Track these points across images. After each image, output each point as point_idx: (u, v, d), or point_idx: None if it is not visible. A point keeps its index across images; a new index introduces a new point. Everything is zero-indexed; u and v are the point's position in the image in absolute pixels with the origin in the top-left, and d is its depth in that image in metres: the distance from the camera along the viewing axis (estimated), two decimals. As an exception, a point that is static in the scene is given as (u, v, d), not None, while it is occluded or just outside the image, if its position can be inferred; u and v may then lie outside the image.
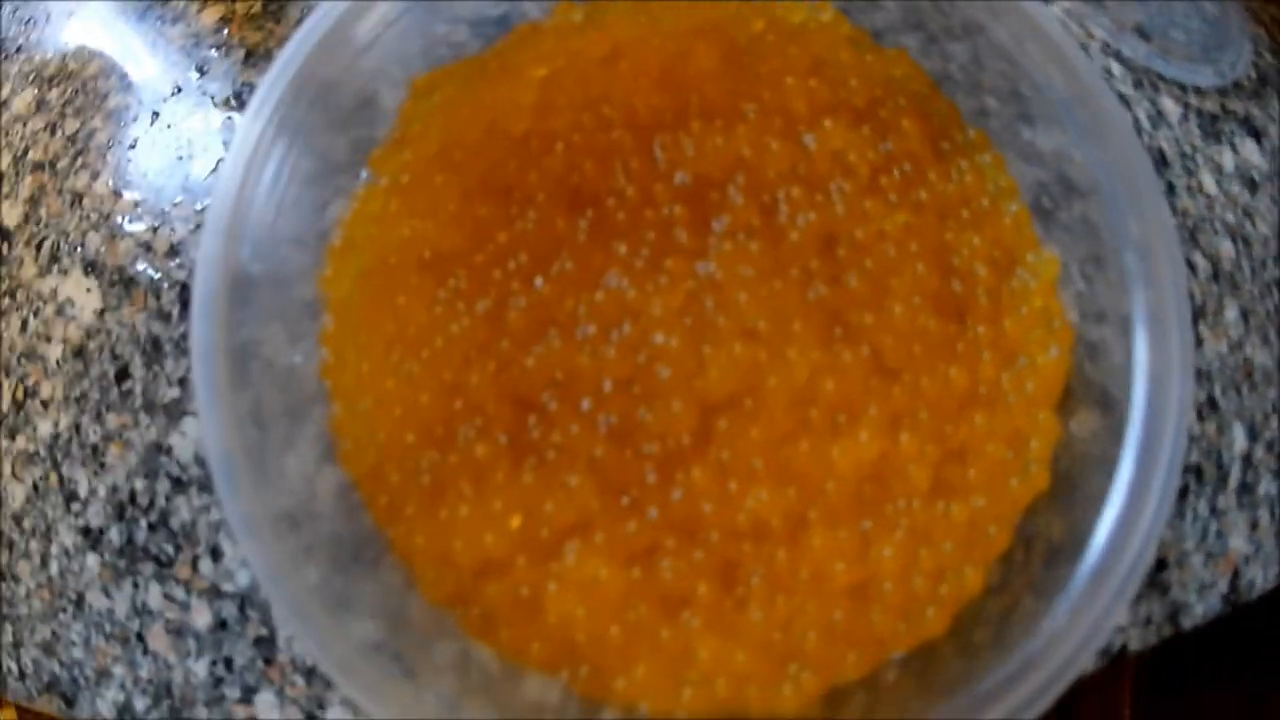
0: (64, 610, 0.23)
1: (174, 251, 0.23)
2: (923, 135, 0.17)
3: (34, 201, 0.26)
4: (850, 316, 0.16)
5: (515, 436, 0.16)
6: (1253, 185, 0.25)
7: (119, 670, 0.23)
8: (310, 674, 0.21)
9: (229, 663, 0.22)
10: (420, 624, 0.17)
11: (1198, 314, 0.23)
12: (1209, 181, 0.25)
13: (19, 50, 0.29)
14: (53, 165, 0.26)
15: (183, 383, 0.23)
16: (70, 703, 0.24)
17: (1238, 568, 0.22)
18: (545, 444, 0.15)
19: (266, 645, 0.21)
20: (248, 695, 0.21)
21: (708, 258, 0.16)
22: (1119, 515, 0.17)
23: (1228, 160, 0.25)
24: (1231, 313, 0.23)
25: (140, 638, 0.22)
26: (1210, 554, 0.23)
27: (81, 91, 0.26)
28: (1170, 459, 0.16)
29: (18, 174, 0.27)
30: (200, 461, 0.22)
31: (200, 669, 0.22)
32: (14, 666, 0.24)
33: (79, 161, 0.25)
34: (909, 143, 0.17)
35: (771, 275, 0.16)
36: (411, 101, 0.18)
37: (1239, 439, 0.23)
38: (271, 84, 0.17)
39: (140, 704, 0.22)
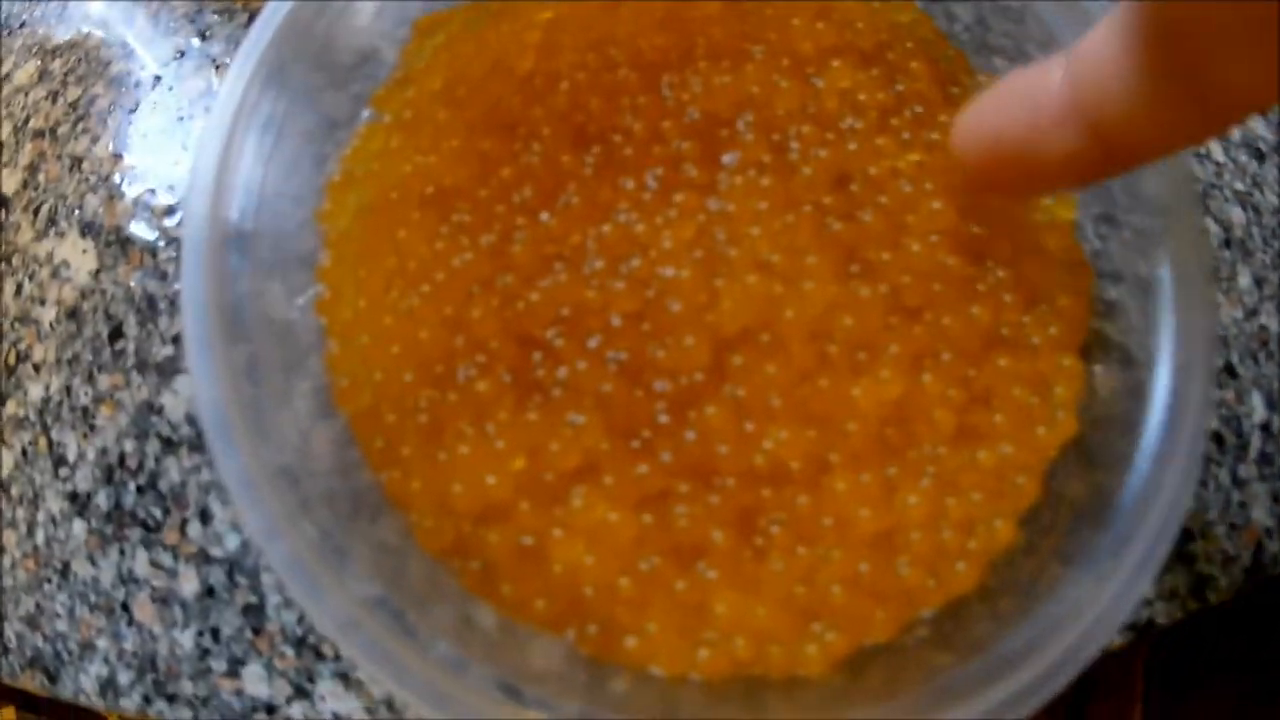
0: (49, 581, 0.22)
1: (171, 210, 0.23)
2: (932, 78, 0.16)
3: (33, 168, 0.25)
4: (867, 252, 0.15)
5: (519, 374, 0.14)
6: (1260, 155, 0.24)
7: (103, 643, 0.21)
8: (300, 644, 0.20)
9: (216, 633, 0.20)
10: (419, 583, 0.16)
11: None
12: (1217, 149, 0.24)
13: (22, 25, 0.28)
14: (53, 132, 0.25)
15: (176, 340, 0.22)
16: (53, 678, 0.22)
17: (1260, 540, 0.21)
18: (551, 382, 0.14)
19: (255, 613, 0.20)
20: (235, 668, 0.20)
21: (718, 193, 0.15)
22: (1145, 480, 0.16)
23: (1234, 129, 0.24)
24: (1245, 279, 0.22)
25: (125, 608, 0.21)
26: (1234, 525, 0.21)
27: (84, 60, 0.26)
28: (1196, 423, 0.15)
29: (18, 143, 0.26)
30: (191, 421, 0.21)
31: (186, 640, 0.20)
32: (-4, 642, 0.23)
33: (79, 127, 0.25)
34: (919, 84, 0.16)
35: (784, 210, 0.15)
36: (414, 41, 0.18)
37: (1258, 408, 0.22)
38: (256, 37, 0.16)
39: (124, 678, 0.21)
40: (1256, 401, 0.22)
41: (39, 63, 0.27)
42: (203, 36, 0.24)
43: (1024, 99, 0.12)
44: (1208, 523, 0.21)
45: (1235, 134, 0.24)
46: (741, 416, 0.14)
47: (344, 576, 0.15)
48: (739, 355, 0.14)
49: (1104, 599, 0.15)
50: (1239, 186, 0.24)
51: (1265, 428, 0.21)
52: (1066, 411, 0.16)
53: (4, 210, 0.25)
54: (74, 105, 0.25)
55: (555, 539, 0.14)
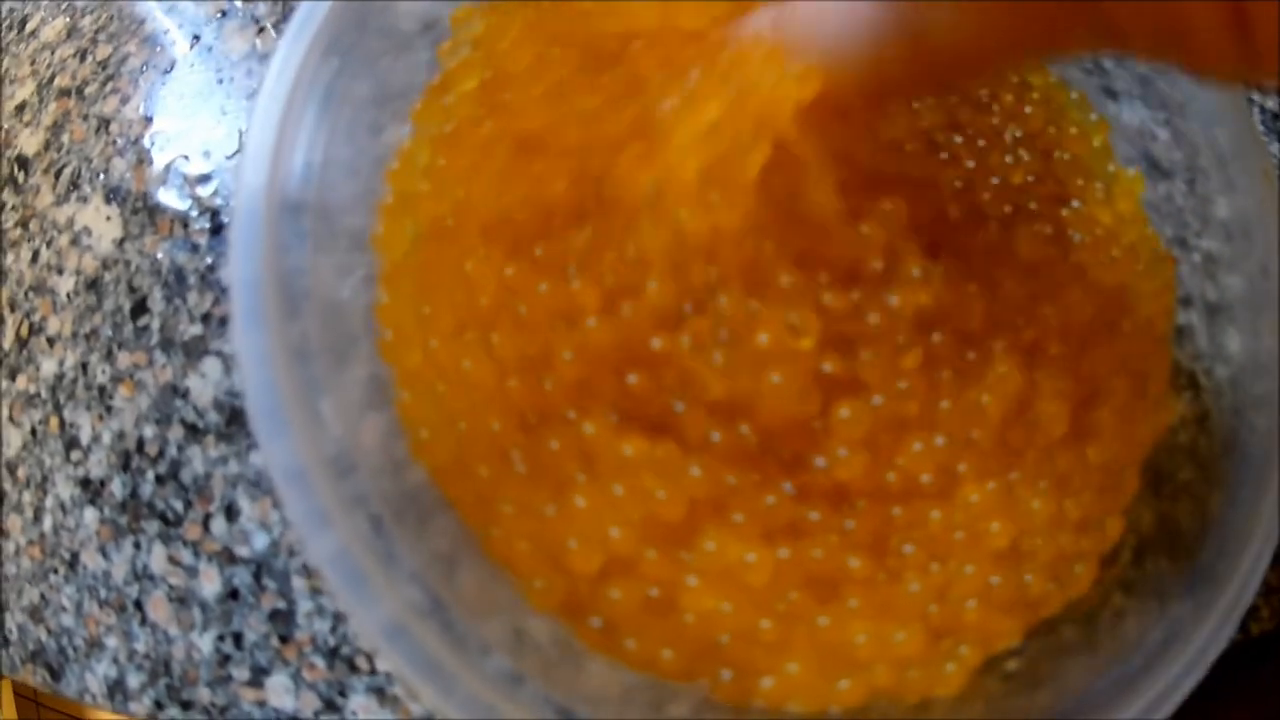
0: (55, 571, 0.20)
1: (207, 178, 0.20)
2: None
3: (56, 128, 0.23)
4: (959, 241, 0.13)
5: (627, 412, 0.12)
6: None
7: (112, 641, 0.19)
8: (333, 655, 0.17)
9: (238, 638, 0.18)
10: (472, 591, 0.14)
11: None
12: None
13: (53, -20, 0.25)
14: (80, 91, 0.23)
15: (206, 319, 0.19)
16: (56, 675, 0.20)
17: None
18: (664, 416, 0.12)
19: (284, 620, 0.18)
20: (258, 677, 0.18)
21: None
22: (1226, 523, 0.14)
23: None
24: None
25: (139, 605, 0.19)
26: (1275, 556, 0.20)
27: (117, 17, 0.23)
28: None
29: (41, 101, 0.23)
30: (220, 407, 0.19)
31: (205, 644, 0.18)
32: (-5, 634, 0.21)
33: (109, 86, 0.22)
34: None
35: None
36: (450, 39, 0.15)
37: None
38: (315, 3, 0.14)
39: (134, 680, 0.19)
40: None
41: (68, 19, 0.24)
42: (246, -5, 0.22)
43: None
44: None
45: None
46: (872, 430, 0.12)
47: (393, 578, 0.13)
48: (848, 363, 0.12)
49: (1189, 645, 0.13)
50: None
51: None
52: (1159, 403, 0.14)
53: (23, 172, 0.23)
54: (103, 64, 0.23)
55: (688, 588, 0.12)
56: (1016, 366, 0.13)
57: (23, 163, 0.23)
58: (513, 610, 0.14)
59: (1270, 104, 0.23)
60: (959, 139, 0.14)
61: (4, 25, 0.26)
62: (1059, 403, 0.13)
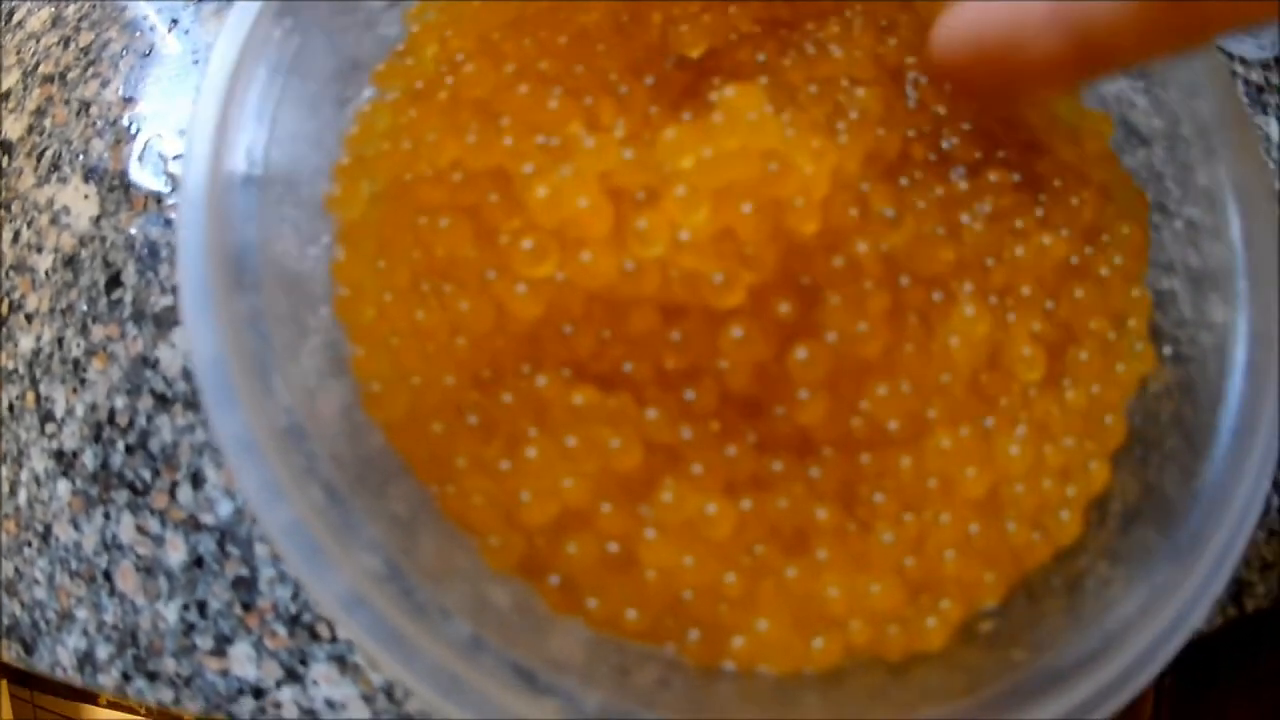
0: (29, 544, 0.20)
1: (180, 156, 0.20)
2: None
3: (40, 113, 0.23)
4: (926, 191, 0.13)
5: (580, 367, 0.12)
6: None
7: (82, 613, 0.19)
8: (294, 623, 0.17)
9: (202, 607, 0.18)
10: (432, 557, 0.14)
11: None
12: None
13: (43, -26, 0.26)
14: (63, 77, 0.23)
15: (176, 290, 0.19)
16: (29, 649, 0.20)
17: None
18: (616, 372, 0.12)
19: (246, 588, 0.18)
20: (221, 646, 0.18)
21: None
22: (1213, 485, 0.14)
23: (1274, 130, 0.22)
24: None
25: (108, 576, 0.19)
26: (1272, 531, 0.19)
27: (99, 5, 0.24)
28: (1271, 428, 0.14)
29: (25, 88, 0.24)
30: (188, 376, 0.19)
31: (170, 613, 0.18)
32: (-28, 610, 0.21)
33: (90, 71, 0.23)
34: None
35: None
36: (417, 5, 0.15)
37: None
38: None
39: (103, 652, 0.19)
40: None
41: (53, 9, 0.25)
42: (223, -20, 0.22)
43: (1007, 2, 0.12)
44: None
45: (1275, 133, 0.22)
46: (834, 374, 0.12)
47: (349, 547, 0.13)
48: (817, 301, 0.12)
49: (1170, 608, 0.13)
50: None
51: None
52: (1143, 343, 0.14)
53: (7, 156, 0.23)
54: (85, 50, 0.23)
55: (647, 542, 0.12)
56: (985, 309, 0.13)
57: (6, 147, 0.23)
58: (473, 574, 0.14)
59: (1255, 76, 0.23)
60: (926, 80, 0.14)
61: (-5, 18, 0.26)
62: (1033, 345, 0.13)
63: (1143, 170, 0.17)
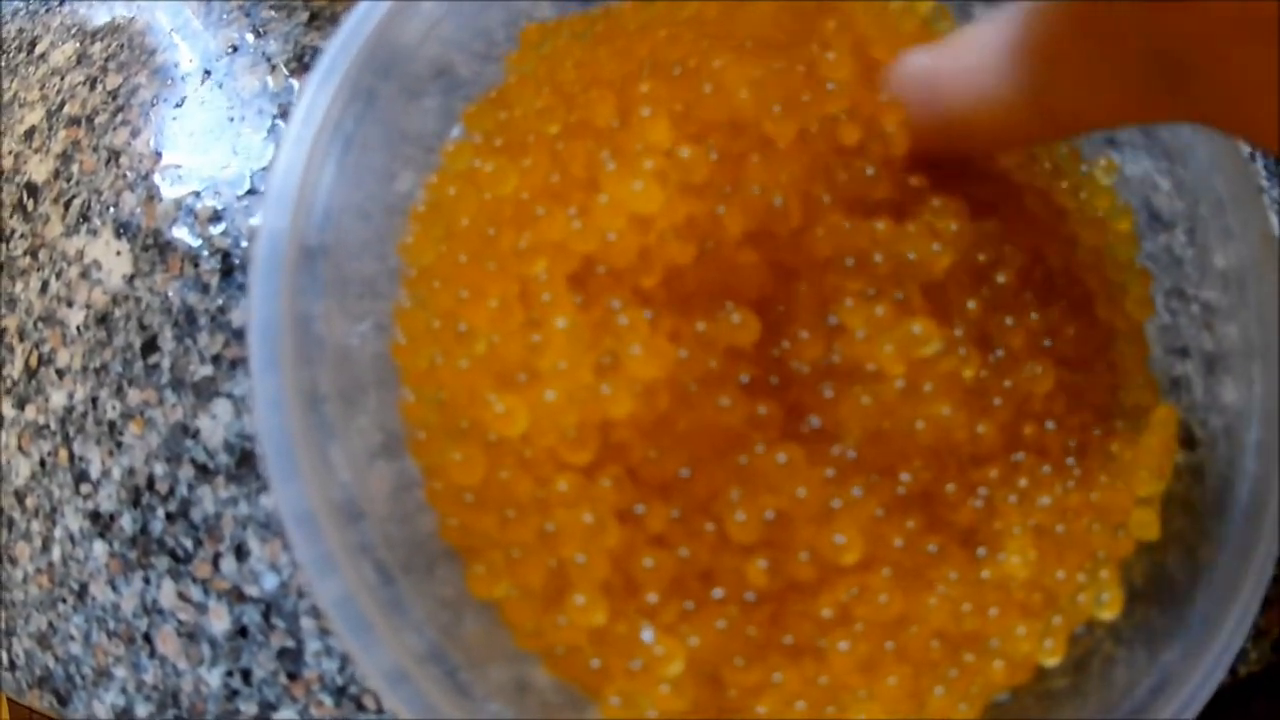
0: (64, 600, 0.19)
1: (218, 217, 0.19)
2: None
3: (66, 157, 0.22)
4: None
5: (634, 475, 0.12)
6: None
7: (120, 671, 0.18)
8: (340, 694, 0.17)
9: (247, 674, 0.17)
10: (475, 639, 0.14)
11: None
12: (1274, 221, 0.22)
13: (62, 3, 0.24)
14: (90, 120, 0.22)
15: (217, 360, 0.18)
16: (63, 700, 0.19)
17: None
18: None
19: (292, 658, 0.17)
20: (266, 712, 0.17)
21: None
22: (1217, 572, 0.14)
23: None
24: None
25: (148, 638, 0.18)
26: (1268, 600, 0.20)
27: (127, 46, 0.22)
28: (1275, 515, 0.14)
29: (50, 128, 0.22)
30: (230, 449, 0.18)
31: (213, 678, 0.17)
32: (4, 657, 0.20)
33: (119, 118, 0.21)
34: None
35: None
36: (519, 53, 0.15)
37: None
38: (343, 46, 0.14)
39: (142, 710, 0.18)
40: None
41: (77, 44, 0.23)
42: (258, 33, 0.21)
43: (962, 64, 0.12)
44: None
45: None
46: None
47: (397, 624, 0.13)
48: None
49: (1181, 690, 0.13)
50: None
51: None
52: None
53: (33, 199, 0.22)
54: (113, 94, 0.22)
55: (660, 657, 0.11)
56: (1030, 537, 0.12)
57: (32, 190, 0.22)
58: (515, 657, 0.14)
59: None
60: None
61: (12, 46, 0.25)
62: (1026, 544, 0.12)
63: (1164, 255, 0.17)
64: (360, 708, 0.17)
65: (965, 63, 0.11)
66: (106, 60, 0.22)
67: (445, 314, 0.13)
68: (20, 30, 0.25)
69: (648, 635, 0.11)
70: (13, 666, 0.20)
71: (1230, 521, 0.14)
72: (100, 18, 0.23)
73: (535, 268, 0.12)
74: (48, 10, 0.24)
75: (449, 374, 0.13)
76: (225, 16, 0.21)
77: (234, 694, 0.17)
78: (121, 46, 0.22)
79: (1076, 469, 0.13)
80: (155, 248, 0.20)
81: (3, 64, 0.25)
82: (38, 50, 0.24)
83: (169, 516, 0.18)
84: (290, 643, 0.17)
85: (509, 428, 0.12)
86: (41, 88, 0.23)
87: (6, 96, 0.24)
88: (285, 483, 0.12)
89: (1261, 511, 0.14)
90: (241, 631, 0.18)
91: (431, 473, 0.13)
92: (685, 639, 0.11)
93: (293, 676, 0.17)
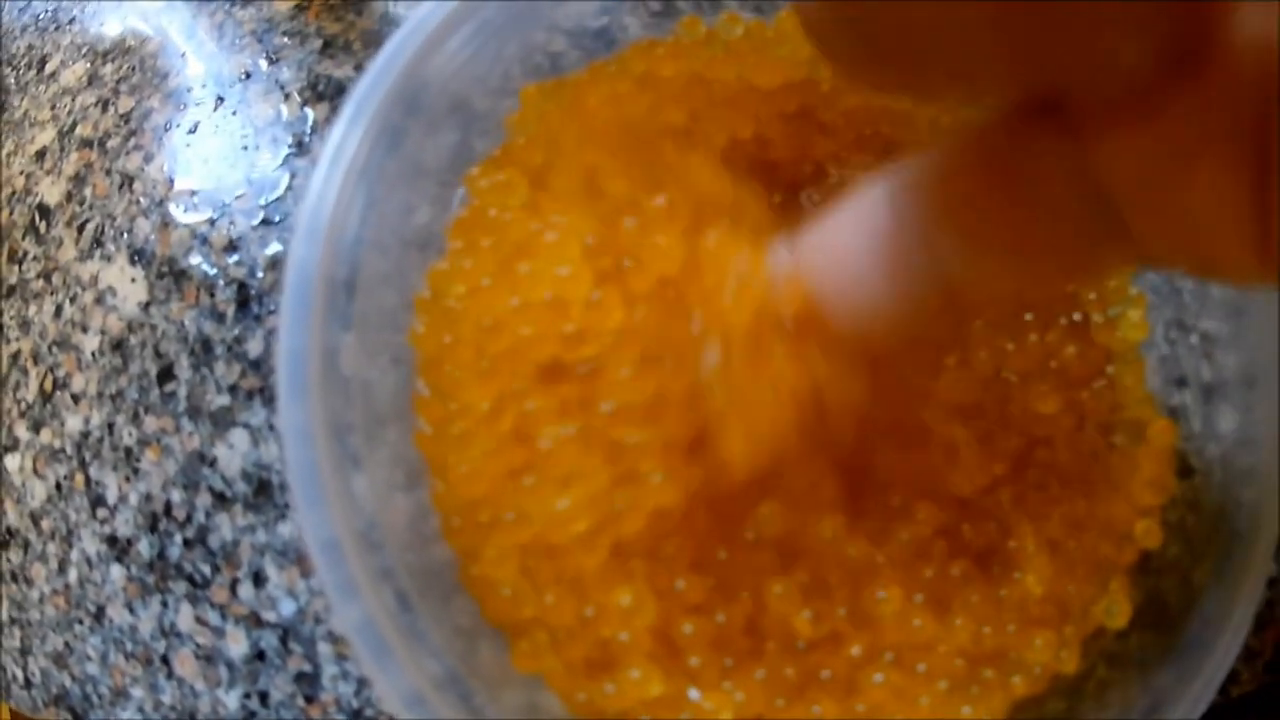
0: (80, 622, 0.19)
1: (233, 246, 0.20)
2: None
3: (79, 180, 0.22)
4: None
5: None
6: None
7: (138, 692, 0.18)
8: (356, 716, 0.17)
9: (264, 697, 0.18)
10: (489, 666, 0.14)
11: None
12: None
13: (72, 22, 0.24)
14: (102, 144, 0.22)
15: (233, 390, 0.19)
16: (79, 719, 0.19)
17: (1294, 644, 0.20)
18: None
19: (309, 682, 0.17)
20: (282, 734, 0.17)
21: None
22: (1209, 598, 0.14)
23: None
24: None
25: (165, 660, 0.18)
26: (1260, 623, 0.20)
27: (139, 69, 0.22)
28: (1269, 540, 0.14)
29: (62, 150, 0.22)
30: (248, 478, 0.18)
31: (231, 700, 0.18)
32: (19, 674, 0.20)
33: (132, 142, 0.21)
34: None
35: None
36: (519, 113, 0.15)
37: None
38: (373, 85, 0.14)
39: (159, 731, 0.18)
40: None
41: (88, 65, 0.23)
42: (271, 60, 0.21)
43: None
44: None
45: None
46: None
47: (415, 650, 0.13)
48: None
49: (1171, 713, 0.14)
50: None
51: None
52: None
53: (45, 222, 0.22)
54: (126, 117, 0.22)
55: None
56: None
57: (44, 212, 0.22)
58: (527, 684, 0.14)
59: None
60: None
61: (22, 63, 0.25)
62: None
63: (1164, 286, 0.17)
64: (376, 731, 0.17)
65: (834, 255, 0.09)
66: (118, 82, 0.22)
67: (457, 410, 0.13)
68: (30, 47, 0.25)
69: (694, 694, 0.11)
70: (28, 684, 0.20)
71: (1224, 548, 0.15)
72: (111, 37, 0.23)
73: (518, 381, 0.12)
74: (57, 28, 0.24)
75: (466, 471, 0.13)
76: (238, 41, 0.22)
77: (251, 715, 0.18)
78: (133, 69, 0.22)
79: (1081, 484, 0.14)
80: (170, 275, 0.20)
81: (13, 81, 0.24)
82: (48, 69, 0.24)
83: (186, 542, 0.18)
84: (307, 667, 0.18)
85: (520, 534, 0.12)
86: (53, 107, 0.23)
87: (17, 115, 0.24)
88: (311, 510, 0.12)
89: (1255, 537, 0.14)
90: (259, 655, 0.18)
91: (467, 558, 0.13)
92: (731, 694, 0.11)
93: (309, 699, 0.18)
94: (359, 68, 0.21)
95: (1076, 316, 0.15)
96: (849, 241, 0.09)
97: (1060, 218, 0.08)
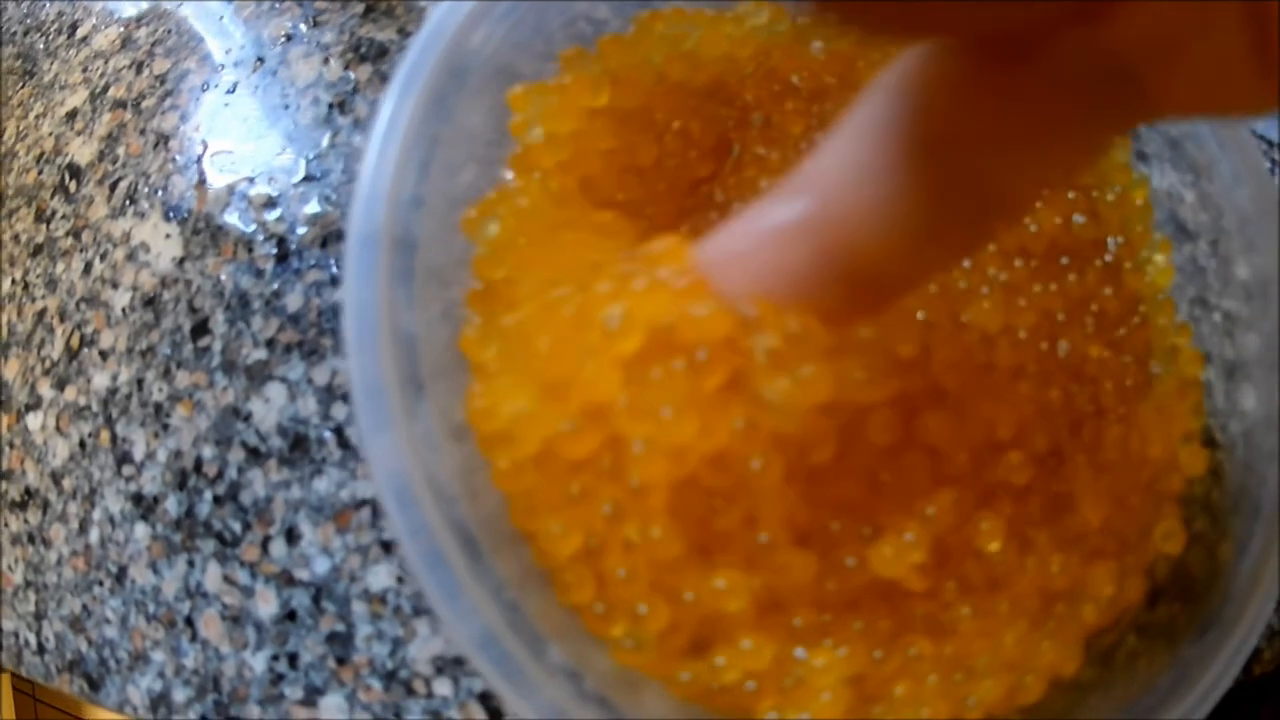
0: (100, 584, 0.19)
1: (272, 203, 0.19)
2: None
3: (111, 140, 0.21)
4: None
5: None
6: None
7: (159, 656, 0.18)
8: (390, 678, 0.17)
9: (293, 659, 0.17)
10: (539, 618, 0.14)
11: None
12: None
13: (104, -13, 0.24)
14: (136, 104, 0.22)
15: (270, 344, 0.18)
16: (95, 685, 0.19)
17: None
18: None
19: (341, 643, 0.17)
20: (312, 696, 0.17)
21: None
22: (1234, 571, 0.15)
23: None
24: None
25: (189, 622, 0.18)
26: None
27: (175, 31, 0.22)
28: None
29: (94, 111, 0.22)
30: (284, 433, 0.18)
31: (258, 663, 0.17)
32: (32, 639, 0.19)
33: (167, 102, 0.21)
34: None
35: None
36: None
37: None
38: (423, 52, 0.15)
39: (180, 695, 0.18)
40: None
41: (121, 29, 0.23)
42: (312, 23, 0.21)
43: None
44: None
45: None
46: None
47: (477, 598, 0.13)
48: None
49: (1199, 684, 0.14)
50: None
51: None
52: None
53: (75, 181, 0.22)
54: (161, 78, 0.22)
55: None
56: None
57: (74, 171, 0.22)
58: (580, 635, 0.14)
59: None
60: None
61: (52, 29, 0.25)
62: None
63: (1188, 265, 0.17)
64: (410, 692, 0.17)
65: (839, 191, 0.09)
66: (153, 45, 0.22)
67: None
68: (60, 13, 0.25)
69: (800, 653, 0.11)
70: (41, 650, 0.19)
71: (1249, 525, 0.15)
72: (144, 4, 0.23)
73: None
74: (89, -6, 0.24)
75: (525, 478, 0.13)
76: (278, 5, 0.21)
77: (279, 678, 0.17)
78: (169, 32, 0.22)
79: (1127, 413, 0.14)
80: (206, 231, 0.19)
81: (42, 47, 0.24)
82: (79, 34, 0.24)
83: (217, 499, 0.18)
84: (341, 627, 0.17)
85: (565, 547, 0.12)
86: (84, 70, 0.23)
87: (47, 78, 0.24)
88: (382, 459, 0.12)
89: (1277, 516, 0.15)
90: (290, 615, 0.17)
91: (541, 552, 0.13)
92: (834, 650, 0.11)
93: (341, 661, 0.17)
94: (401, 31, 0.20)
95: (1108, 259, 0.15)
96: (858, 176, 0.09)
97: (1079, 94, 0.08)
